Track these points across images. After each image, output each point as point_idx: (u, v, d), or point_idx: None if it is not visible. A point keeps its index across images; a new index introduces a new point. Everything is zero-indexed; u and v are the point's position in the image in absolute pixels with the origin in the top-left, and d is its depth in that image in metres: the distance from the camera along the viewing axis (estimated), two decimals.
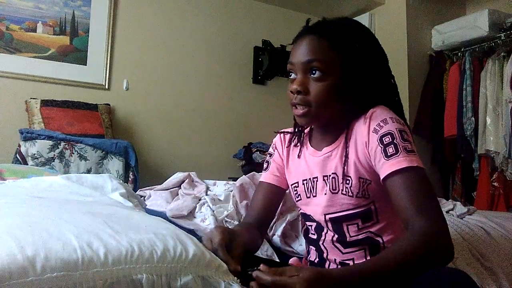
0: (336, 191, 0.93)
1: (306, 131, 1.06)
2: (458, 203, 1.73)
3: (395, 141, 0.83)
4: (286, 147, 1.07)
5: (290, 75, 0.94)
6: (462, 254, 1.27)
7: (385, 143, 0.84)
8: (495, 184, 2.95)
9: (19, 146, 2.33)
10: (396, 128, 0.85)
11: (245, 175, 1.61)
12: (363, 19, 3.58)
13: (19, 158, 2.29)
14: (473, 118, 3.02)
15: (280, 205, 1.18)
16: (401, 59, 3.29)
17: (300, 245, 1.30)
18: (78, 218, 0.70)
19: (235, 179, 1.67)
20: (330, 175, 0.94)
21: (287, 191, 1.10)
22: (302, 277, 0.66)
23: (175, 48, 3.30)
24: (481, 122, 2.99)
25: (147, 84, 3.17)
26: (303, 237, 1.32)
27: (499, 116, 2.91)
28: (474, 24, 3.09)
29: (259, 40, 3.63)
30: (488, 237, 1.42)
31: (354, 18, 1.02)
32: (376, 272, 0.71)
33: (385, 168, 0.83)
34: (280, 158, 1.08)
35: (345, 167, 0.91)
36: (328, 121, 0.95)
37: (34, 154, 2.30)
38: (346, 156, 0.92)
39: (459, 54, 3.32)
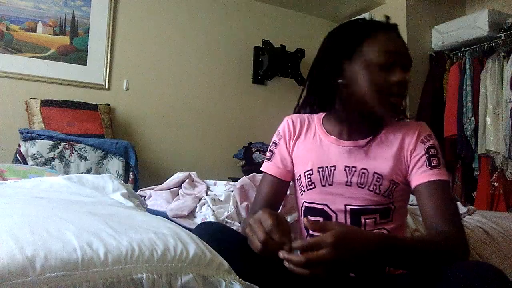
0: (363, 186, 0.95)
1: (316, 118, 1.06)
2: (458, 203, 1.72)
3: (438, 155, 0.94)
4: (296, 134, 1.06)
5: (386, 66, 0.91)
6: None
7: (431, 154, 0.93)
8: (495, 184, 2.95)
9: (19, 146, 2.33)
10: (437, 145, 0.96)
11: (245, 175, 1.61)
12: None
13: (19, 158, 2.29)
14: (473, 118, 3.02)
15: (281, 207, 1.17)
16: None
17: None
18: (78, 218, 0.70)
19: (235, 179, 1.67)
20: (359, 169, 0.96)
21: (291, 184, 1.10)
22: (333, 233, 0.67)
23: (175, 48, 3.30)
24: (481, 122, 2.98)
25: (147, 84, 3.17)
26: (303, 237, 1.32)
27: (499, 116, 2.91)
28: (474, 24, 3.09)
29: (259, 40, 3.63)
30: (487, 237, 1.42)
31: (354, 18, 1.03)
32: (409, 246, 0.78)
33: (426, 175, 0.91)
34: (287, 148, 1.07)
35: (379, 166, 0.95)
36: None
37: (34, 154, 2.30)
38: (384, 157, 0.95)
39: (459, 54, 3.32)
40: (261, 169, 1.10)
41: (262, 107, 3.62)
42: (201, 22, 3.42)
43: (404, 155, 0.95)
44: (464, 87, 3.10)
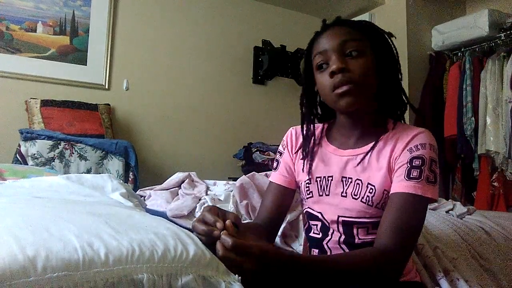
0: (357, 197, 0.93)
1: (321, 127, 1.05)
2: (458, 203, 1.72)
3: (422, 167, 0.86)
4: (299, 145, 1.05)
5: (322, 67, 0.92)
6: (461, 254, 1.26)
7: (414, 164, 0.87)
8: (495, 184, 2.95)
9: (19, 146, 2.34)
10: (429, 157, 0.88)
11: (245, 175, 1.60)
12: (363, 19, 3.57)
13: (19, 158, 2.29)
14: (473, 118, 3.02)
15: None
16: (401, 59, 3.28)
17: (300, 245, 1.30)
18: (79, 218, 0.70)
19: (235, 179, 1.67)
20: (354, 180, 0.94)
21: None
22: (253, 253, 0.67)
23: (175, 48, 3.31)
24: (481, 122, 2.99)
25: (147, 84, 3.18)
26: (302, 237, 1.32)
27: (499, 116, 2.91)
28: (474, 24, 3.09)
29: (259, 40, 3.63)
30: (487, 237, 1.42)
31: (354, 18, 1.03)
32: (322, 267, 0.77)
33: (400, 185, 0.87)
34: (290, 157, 1.07)
35: (372, 176, 0.92)
36: (366, 107, 0.95)
37: (34, 154, 2.30)
38: (377, 167, 0.92)
39: (459, 54, 3.32)
40: (269, 179, 1.10)
41: (262, 107, 3.63)
42: (201, 22, 3.42)
43: (392, 162, 0.91)
44: (464, 87, 3.10)
